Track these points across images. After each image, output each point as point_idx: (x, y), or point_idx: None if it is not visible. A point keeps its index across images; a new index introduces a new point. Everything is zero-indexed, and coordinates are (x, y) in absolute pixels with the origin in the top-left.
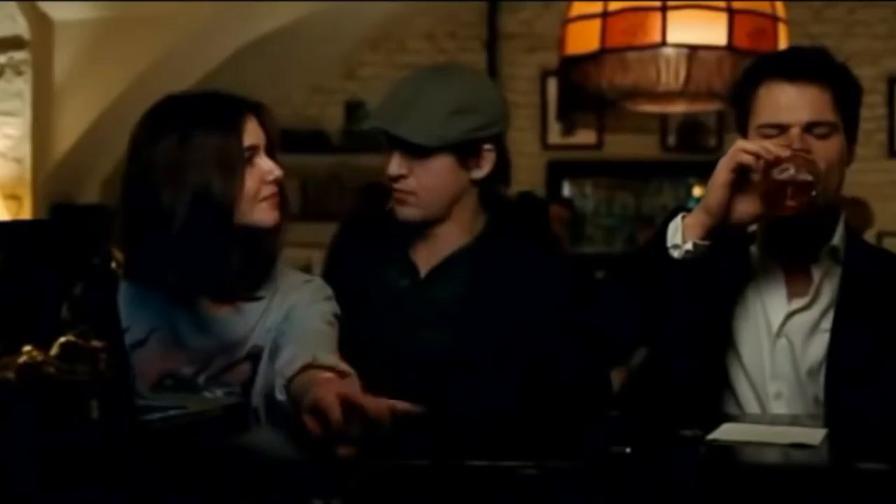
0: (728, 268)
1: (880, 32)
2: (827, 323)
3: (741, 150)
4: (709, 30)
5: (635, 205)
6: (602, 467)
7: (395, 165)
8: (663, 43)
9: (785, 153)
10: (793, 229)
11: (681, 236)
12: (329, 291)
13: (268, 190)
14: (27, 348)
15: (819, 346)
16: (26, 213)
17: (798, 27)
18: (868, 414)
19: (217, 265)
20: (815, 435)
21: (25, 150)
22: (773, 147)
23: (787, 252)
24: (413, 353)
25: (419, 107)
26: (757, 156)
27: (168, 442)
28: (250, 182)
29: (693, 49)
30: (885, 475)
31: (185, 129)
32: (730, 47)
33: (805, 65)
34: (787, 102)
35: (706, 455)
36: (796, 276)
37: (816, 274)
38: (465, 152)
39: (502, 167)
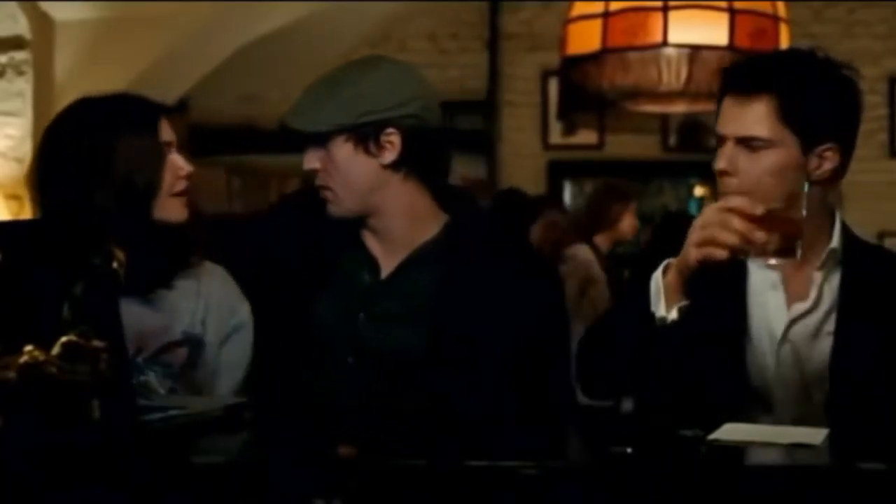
0: (726, 275)
1: (880, 32)
2: (830, 326)
3: (714, 244)
4: (710, 30)
5: (636, 205)
6: (602, 467)
7: (307, 160)
8: (664, 43)
9: (760, 238)
10: None
11: (664, 305)
12: (237, 288)
13: (180, 185)
14: (28, 348)
15: (823, 349)
16: (27, 214)
17: (798, 27)
18: (874, 416)
19: (139, 258)
20: (816, 435)
21: (26, 150)
22: (746, 230)
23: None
24: (385, 351)
25: (311, 98)
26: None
27: (168, 442)
28: (166, 175)
29: (694, 49)
30: (885, 475)
31: (109, 130)
32: (731, 47)
33: (745, 77)
34: (726, 115)
35: (706, 455)
36: (796, 280)
37: (817, 277)
38: (362, 137)
39: (428, 155)
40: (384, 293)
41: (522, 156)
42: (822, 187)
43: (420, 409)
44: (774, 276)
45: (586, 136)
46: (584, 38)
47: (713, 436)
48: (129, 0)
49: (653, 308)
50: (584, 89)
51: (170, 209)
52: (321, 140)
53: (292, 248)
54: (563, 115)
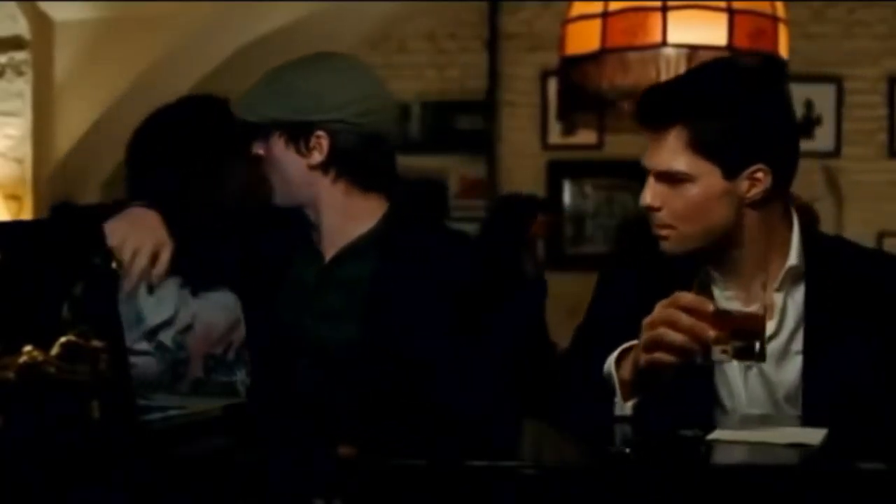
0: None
1: (880, 32)
2: (797, 345)
3: (661, 346)
4: (709, 30)
5: (635, 205)
6: (602, 467)
7: (254, 146)
8: (664, 43)
9: (710, 336)
10: (727, 263)
11: (619, 399)
12: None
13: None
14: (28, 348)
15: (792, 369)
16: (27, 214)
17: (798, 27)
18: (852, 428)
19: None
20: (815, 435)
21: (26, 151)
22: (696, 328)
23: (741, 281)
24: (328, 347)
25: (256, 88)
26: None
27: (168, 442)
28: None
29: (693, 49)
30: (885, 475)
31: (200, 126)
32: (730, 47)
33: (653, 110)
34: (649, 147)
35: (706, 455)
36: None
37: (778, 298)
38: (293, 136)
39: (359, 162)
40: (323, 289)
41: (522, 156)
42: (763, 209)
43: (361, 403)
44: (735, 301)
45: (586, 136)
46: (584, 39)
47: (713, 436)
48: (129, 0)
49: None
50: (583, 89)
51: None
52: (263, 131)
53: (266, 242)
54: (562, 115)
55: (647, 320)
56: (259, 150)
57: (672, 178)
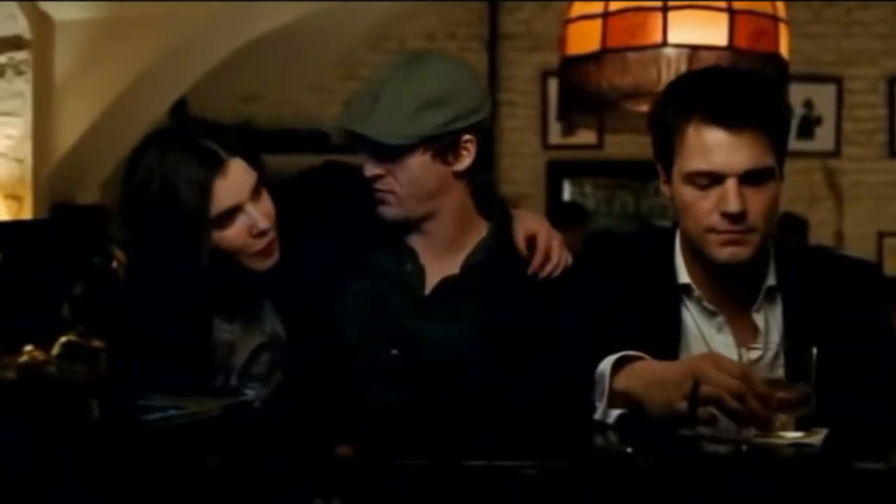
0: (669, 328)
1: (879, 32)
2: (780, 369)
3: (719, 406)
4: (710, 30)
5: (635, 205)
6: (602, 467)
7: (370, 167)
8: (664, 43)
9: (771, 421)
10: (725, 278)
11: (603, 406)
12: None
13: (257, 244)
14: (28, 348)
15: None
16: (27, 214)
17: (797, 27)
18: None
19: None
20: (816, 435)
21: (26, 151)
22: (763, 414)
23: (726, 300)
24: (435, 345)
25: (386, 103)
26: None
27: (168, 442)
28: (236, 238)
29: (694, 49)
30: (885, 475)
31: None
32: (731, 47)
33: (743, 111)
34: (722, 149)
35: (706, 455)
36: (742, 323)
37: (759, 320)
38: (442, 146)
39: (485, 157)
40: (450, 294)
41: (522, 155)
42: None
43: (463, 403)
44: (719, 323)
45: (586, 136)
46: (584, 39)
47: (713, 435)
48: (129, 0)
49: (596, 406)
50: (583, 89)
51: (253, 263)
52: (390, 148)
53: (322, 228)
54: (562, 115)
55: (699, 369)
56: (378, 170)
57: (758, 177)
